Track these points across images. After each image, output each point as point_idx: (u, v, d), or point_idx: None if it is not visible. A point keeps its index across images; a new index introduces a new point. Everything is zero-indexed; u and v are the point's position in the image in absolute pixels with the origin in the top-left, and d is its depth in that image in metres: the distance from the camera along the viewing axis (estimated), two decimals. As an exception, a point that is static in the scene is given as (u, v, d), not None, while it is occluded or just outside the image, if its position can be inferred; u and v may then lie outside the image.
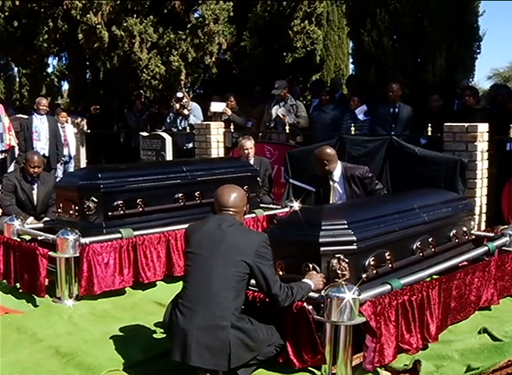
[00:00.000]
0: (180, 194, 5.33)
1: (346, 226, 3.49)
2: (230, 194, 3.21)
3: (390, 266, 3.70)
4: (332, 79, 11.72)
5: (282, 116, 7.53)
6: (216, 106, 8.11)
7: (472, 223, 4.87)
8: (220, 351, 2.86)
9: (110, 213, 4.88)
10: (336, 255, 3.37)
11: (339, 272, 3.34)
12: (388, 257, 3.68)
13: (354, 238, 3.45)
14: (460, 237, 4.53)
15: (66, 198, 4.95)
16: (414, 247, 3.99)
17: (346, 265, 3.36)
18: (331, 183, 5.03)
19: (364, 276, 3.43)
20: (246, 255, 2.98)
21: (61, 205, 5.01)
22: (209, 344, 2.86)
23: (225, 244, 3.01)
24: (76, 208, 4.83)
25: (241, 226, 3.19)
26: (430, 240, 4.13)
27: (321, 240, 3.39)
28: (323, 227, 3.45)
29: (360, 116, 7.26)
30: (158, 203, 5.19)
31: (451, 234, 4.43)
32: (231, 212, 3.18)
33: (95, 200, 4.80)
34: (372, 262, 3.56)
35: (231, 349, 2.86)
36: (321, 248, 3.38)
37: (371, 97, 7.82)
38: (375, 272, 3.56)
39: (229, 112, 8.06)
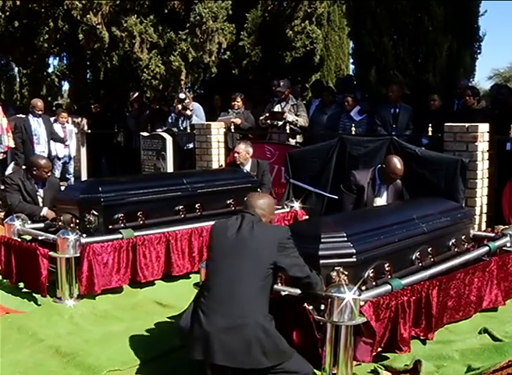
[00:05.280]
0: (181, 207, 5.32)
1: (346, 239, 3.50)
2: (260, 198, 3.25)
3: (390, 277, 3.70)
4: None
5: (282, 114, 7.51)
6: (224, 121, 7.99)
7: (472, 231, 4.83)
8: (243, 349, 2.80)
9: (111, 226, 4.87)
10: (336, 268, 3.38)
11: (338, 284, 3.34)
12: (387, 268, 3.69)
13: (353, 251, 3.46)
14: (460, 246, 4.50)
15: (67, 211, 4.95)
16: (414, 257, 3.98)
17: (345, 277, 3.37)
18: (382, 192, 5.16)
19: (363, 288, 3.42)
20: (268, 249, 2.95)
21: (61, 218, 4.99)
22: (232, 343, 2.80)
23: (247, 242, 2.98)
24: (77, 221, 4.83)
25: (260, 222, 3.13)
26: (429, 250, 4.11)
27: (320, 252, 3.40)
28: (322, 240, 3.46)
29: (356, 117, 7.27)
30: (159, 215, 5.18)
31: (450, 244, 4.41)
32: (255, 212, 3.16)
33: (96, 213, 4.80)
34: (372, 274, 3.56)
35: (252, 348, 2.79)
36: (321, 261, 3.39)
37: (363, 95, 7.84)
38: (374, 283, 3.56)
39: (238, 121, 7.90)
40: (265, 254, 2.94)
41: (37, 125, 8.32)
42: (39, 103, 8.39)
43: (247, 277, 2.90)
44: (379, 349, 3.41)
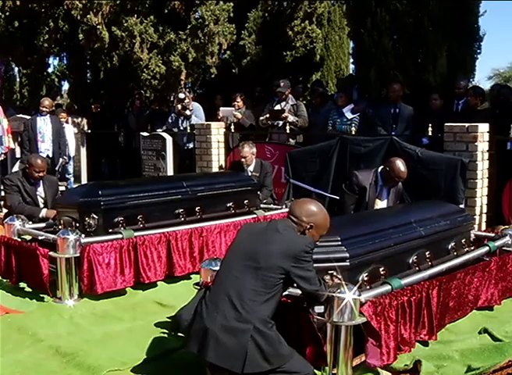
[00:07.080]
0: (181, 210, 5.30)
1: (340, 243, 3.50)
2: (296, 205, 3.19)
3: (385, 281, 3.69)
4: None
5: (284, 115, 7.52)
6: (225, 112, 8.02)
7: (472, 234, 4.80)
8: (237, 352, 2.79)
9: (110, 230, 4.84)
10: (329, 272, 3.36)
11: (332, 288, 3.34)
12: (382, 272, 3.67)
13: (347, 255, 3.45)
14: (460, 249, 4.47)
15: (67, 215, 4.93)
16: (410, 261, 3.95)
17: (339, 281, 3.35)
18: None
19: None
20: (284, 258, 2.90)
21: (61, 222, 4.97)
22: (227, 344, 2.80)
23: (264, 247, 2.95)
24: (77, 224, 4.81)
25: (288, 228, 3.07)
26: (427, 254, 4.08)
27: (314, 256, 3.35)
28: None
29: (348, 114, 7.29)
30: (159, 219, 5.16)
31: (449, 247, 4.37)
32: (289, 218, 3.13)
33: (95, 217, 4.80)
34: (366, 278, 3.55)
35: (247, 353, 2.78)
36: (315, 265, 3.37)
37: (362, 95, 7.85)
38: (368, 287, 3.53)
39: (239, 115, 7.93)
40: (279, 262, 2.89)
41: (42, 123, 8.32)
42: (46, 102, 8.43)
43: (256, 282, 2.87)
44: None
